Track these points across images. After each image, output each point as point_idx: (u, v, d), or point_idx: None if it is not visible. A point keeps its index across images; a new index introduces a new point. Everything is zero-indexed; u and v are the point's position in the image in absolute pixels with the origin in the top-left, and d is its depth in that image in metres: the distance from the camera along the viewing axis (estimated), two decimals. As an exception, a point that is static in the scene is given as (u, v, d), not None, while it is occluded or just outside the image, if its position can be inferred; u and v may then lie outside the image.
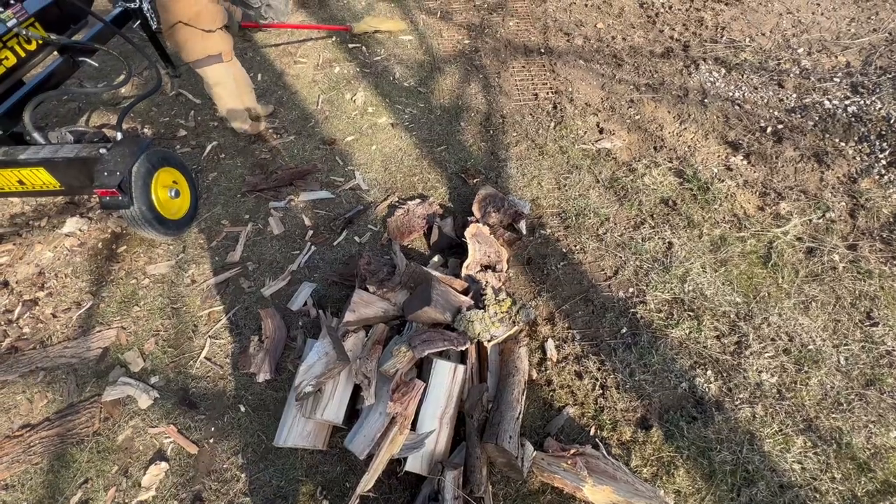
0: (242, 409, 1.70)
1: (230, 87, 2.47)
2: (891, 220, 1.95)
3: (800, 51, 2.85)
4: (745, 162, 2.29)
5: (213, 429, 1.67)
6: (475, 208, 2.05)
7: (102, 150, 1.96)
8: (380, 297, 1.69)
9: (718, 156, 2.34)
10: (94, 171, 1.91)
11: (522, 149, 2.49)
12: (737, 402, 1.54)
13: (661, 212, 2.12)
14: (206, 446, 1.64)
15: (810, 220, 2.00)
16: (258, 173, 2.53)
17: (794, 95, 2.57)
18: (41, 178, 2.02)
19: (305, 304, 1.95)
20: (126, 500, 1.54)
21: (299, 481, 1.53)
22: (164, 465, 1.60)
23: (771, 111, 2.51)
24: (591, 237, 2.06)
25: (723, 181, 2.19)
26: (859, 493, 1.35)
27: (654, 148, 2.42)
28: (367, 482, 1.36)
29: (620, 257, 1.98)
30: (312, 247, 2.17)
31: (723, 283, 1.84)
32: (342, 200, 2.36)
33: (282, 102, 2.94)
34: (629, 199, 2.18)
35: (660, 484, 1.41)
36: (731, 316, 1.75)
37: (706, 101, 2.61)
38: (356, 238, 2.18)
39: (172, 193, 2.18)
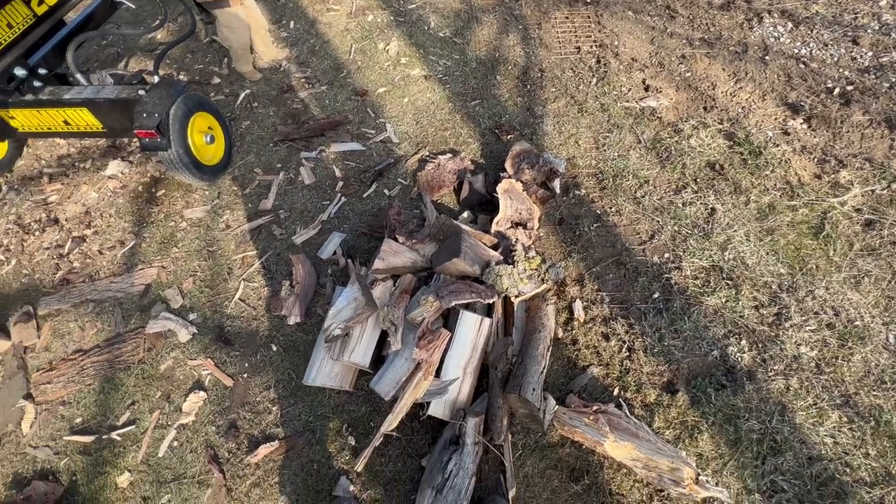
0: (274, 348, 1.77)
1: (238, 31, 2.49)
2: (966, 194, 1.77)
3: (882, 3, 2.55)
4: (804, 126, 2.11)
5: (246, 364, 1.76)
6: (508, 164, 1.99)
7: (141, 92, 1.99)
8: (409, 248, 1.69)
9: (775, 118, 2.16)
10: (133, 113, 1.94)
11: (560, 105, 2.37)
12: (770, 374, 1.50)
13: (705, 176, 2.00)
14: (241, 380, 1.73)
15: (872, 191, 1.85)
16: (290, 123, 2.52)
17: (870, 54, 2.32)
18: (84, 118, 2.08)
19: (335, 253, 1.98)
20: (168, 423, 1.66)
21: (327, 417, 1.60)
22: (202, 394, 1.70)
23: (841, 71, 2.28)
24: (628, 199, 1.98)
25: (778, 146, 2.04)
26: (893, 471, 1.30)
27: (704, 108, 2.26)
28: (390, 422, 1.42)
29: (658, 221, 1.90)
30: (342, 198, 2.18)
31: (767, 253, 1.75)
32: (373, 153, 2.33)
33: (313, 51, 2.88)
34: (672, 161, 2.07)
35: (682, 446, 1.40)
36: (773, 287, 1.67)
37: (767, 58, 2.40)
38: (386, 191, 2.17)
39: (208, 139, 2.21)
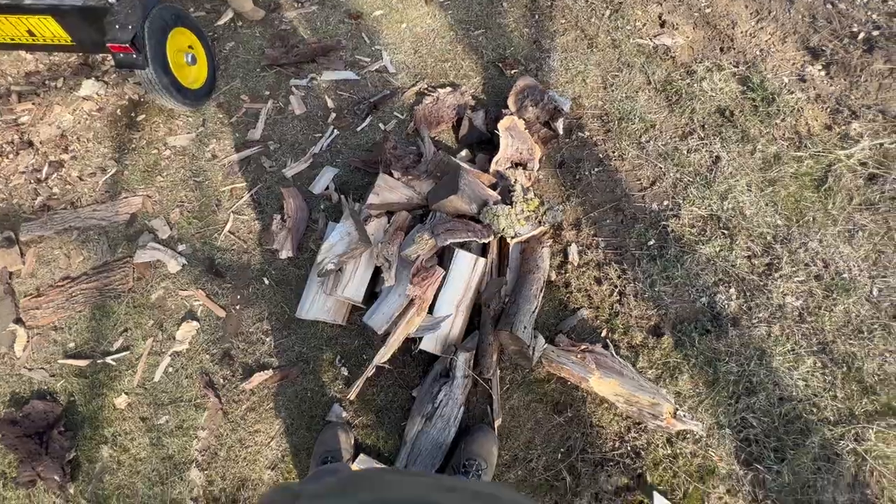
0: (266, 281, 1.76)
1: None
2: (974, 151, 1.74)
3: (925, -61, 2.34)
4: (822, 73, 2.01)
5: (238, 297, 1.76)
6: (511, 100, 1.89)
7: (112, 0, 1.80)
8: (404, 184, 1.63)
9: (794, 63, 2.05)
10: (104, 24, 1.76)
11: (570, 39, 2.22)
12: (754, 321, 1.54)
13: (714, 122, 1.93)
14: (233, 311, 1.73)
15: (881, 145, 1.80)
16: (278, 46, 2.34)
17: (903, -4, 2.16)
18: (50, 28, 1.89)
19: (327, 188, 1.92)
20: (162, 350, 1.68)
21: (320, 349, 1.63)
22: (195, 323, 1.71)
23: (869, 14, 2.14)
24: (633, 144, 1.91)
25: (792, 93, 1.95)
26: (857, 412, 1.38)
27: (721, 49, 2.13)
28: (383, 354, 1.45)
29: (660, 168, 1.85)
30: (335, 130, 2.07)
31: (766, 204, 1.73)
32: (367, 83, 2.19)
33: (304, -35, 2.60)
34: (681, 105, 1.98)
35: (662, 384, 1.47)
36: (768, 238, 1.67)
37: (794, -4, 2.23)
38: (381, 125, 2.06)
39: (189, 59, 2.04)
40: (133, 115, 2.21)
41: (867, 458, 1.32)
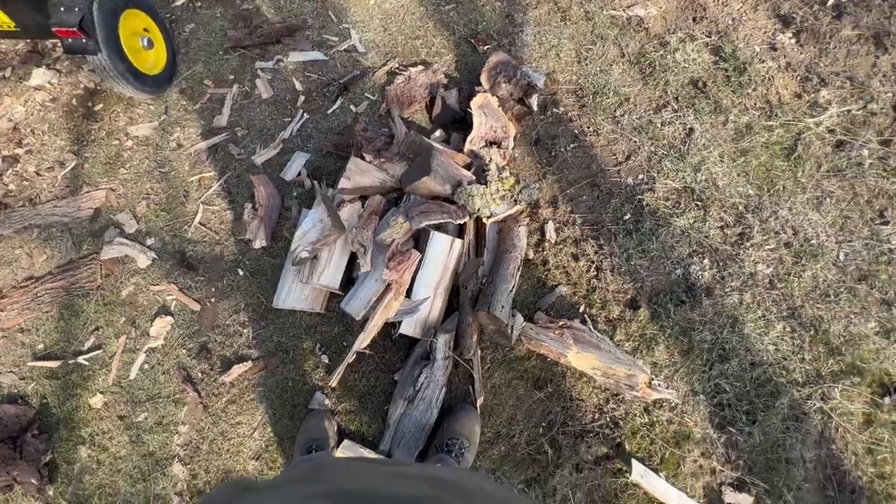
0: (241, 272, 1.72)
1: None
2: (936, 115, 1.78)
3: None
4: (793, 41, 2.01)
5: (213, 289, 1.72)
6: (484, 77, 1.85)
7: (54, -20, 1.68)
8: (377, 167, 1.60)
9: (765, 32, 2.05)
10: (48, 6, 1.65)
11: (542, 12, 2.17)
12: (727, 290, 1.57)
13: (687, 94, 1.93)
14: (208, 304, 1.70)
15: (848, 112, 1.83)
16: (241, 27, 2.23)
17: (871, -39, 2.16)
18: (-9, 13, 1.76)
19: (299, 174, 1.87)
20: (137, 347, 1.65)
21: (299, 338, 1.61)
22: (169, 318, 1.67)
23: (838, -21, 2.14)
24: (608, 118, 1.90)
25: (763, 62, 1.95)
26: (823, 373, 1.44)
27: (694, 19, 2.11)
28: (362, 340, 1.44)
29: (635, 142, 1.85)
30: (305, 114, 2.01)
31: (738, 175, 1.75)
32: (336, 63, 2.12)
33: (263, -61, 2.47)
34: (655, 77, 1.96)
35: (639, 356, 1.49)
36: (740, 208, 1.69)
37: (765, -38, 2.21)
38: (352, 107, 2.00)
39: (144, 42, 1.94)
40: (90, 104, 2.11)
41: (832, 415, 1.38)
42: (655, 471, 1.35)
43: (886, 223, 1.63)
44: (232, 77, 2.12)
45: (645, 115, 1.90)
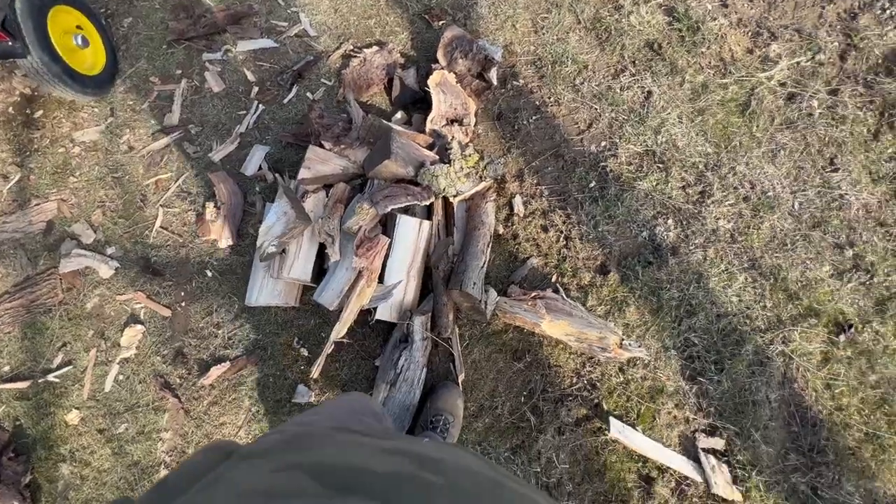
0: (209, 273, 1.69)
1: None
2: (879, 61, 1.83)
3: None
4: (743, -4, 2.03)
5: (182, 293, 1.68)
6: (440, 54, 1.81)
7: (-33, -22, 1.56)
8: (337, 154, 1.57)
9: (715, -11, 2.06)
10: (-35, 8, 1.54)
11: (496, -18, 2.12)
12: (691, 247, 1.62)
13: (643, 57, 1.93)
14: (179, 309, 1.66)
15: (798, 64, 1.87)
16: (183, 17, 2.12)
17: (814, -90, 2.18)
18: None
19: (260, 168, 1.82)
20: (109, 359, 1.61)
21: (276, 334, 1.60)
22: (139, 327, 1.63)
23: (783, -69, 2.15)
24: (567, 87, 1.90)
25: (715, 19, 1.97)
26: (784, 318, 1.51)
27: (646, -20, 2.10)
28: (339, 331, 1.43)
29: (596, 109, 1.86)
30: (260, 105, 1.94)
31: (697, 134, 1.78)
32: (288, 50, 2.05)
33: (197, -79, 2.33)
34: (611, 42, 1.96)
35: (611, 319, 1.54)
36: (700, 167, 1.73)
37: (713, -83, 2.20)
38: (309, 94, 1.95)
39: (79, 41, 1.83)
40: (28, 111, 1.99)
41: (793, 357, 1.46)
42: (633, 426, 1.41)
43: (836, 170, 1.69)
44: (179, 72, 2.03)
45: (604, 82, 1.90)
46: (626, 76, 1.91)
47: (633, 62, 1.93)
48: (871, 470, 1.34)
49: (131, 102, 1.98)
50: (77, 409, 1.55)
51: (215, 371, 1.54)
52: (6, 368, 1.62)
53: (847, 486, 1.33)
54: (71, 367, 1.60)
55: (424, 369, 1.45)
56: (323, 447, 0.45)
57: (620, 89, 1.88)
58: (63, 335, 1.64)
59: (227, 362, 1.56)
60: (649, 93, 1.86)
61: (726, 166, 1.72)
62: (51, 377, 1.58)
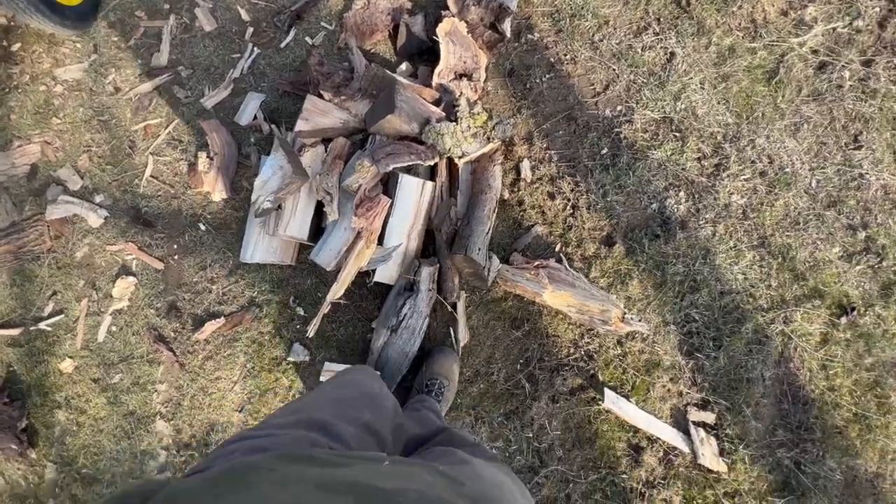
0: (203, 227, 1.63)
1: None
2: (920, 31, 1.71)
3: None
4: (783, -50, 1.86)
5: (175, 246, 1.63)
6: (451, 0, 1.67)
7: None
8: (337, 106, 1.47)
9: (754, -60, 1.88)
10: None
11: (515, -80, 1.93)
12: (701, 222, 1.57)
13: (670, 14, 1.79)
14: (172, 262, 1.62)
15: (833, 30, 1.74)
16: (170, -56, 1.93)
17: None
18: None
19: (255, 118, 1.72)
20: (101, 309, 1.58)
21: (272, 292, 1.57)
22: (131, 279, 1.60)
23: None
24: (585, 45, 1.77)
25: (751, -25, 1.81)
26: (787, 298, 1.49)
27: (680, -74, 1.92)
28: (336, 291, 1.40)
29: (614, 70, 1.74)
30: (255, 49, 1.81)
31: (718, 102, 1.69)
32: (285, -13, 1.88)
33: None
34: (636, -4, 1.81)
35: (613, 292, 1.51)
36: (718, 137, 1.65)
37: None
38: (307, 38, 1.81)
39: (55, -35, 1.66)
40: (5, 44, 1.85)
41: (793, 336, 1.45)
42: (626, 397, 1.42)
43: (860, 147, 1.62)
44: (167, 6, 1.87)
45: (625, 40, 1.78)
46: (650, 35, 1.78)
47: (658, 19, 1.79)
48: (856, 448, 1.36)
49: (116, 39, 1.84)
50: (71, 357, 1.54)
51: (210, 326, 1.52)
52: (-3, 314, 1.59)
53: (830, 462, 1.36)
54: (63, 316, 1.58)
55: (427, 320, 1.43)
56: (253, 489, 0.41)
57: (642, 49, 1.76)
58: (53, 283, 1.61)
59: (222, 318, 1.54)
60: (672, 54, 1.74)
61: (746, 138, 1.64)
62: (42, 325, 1.56)
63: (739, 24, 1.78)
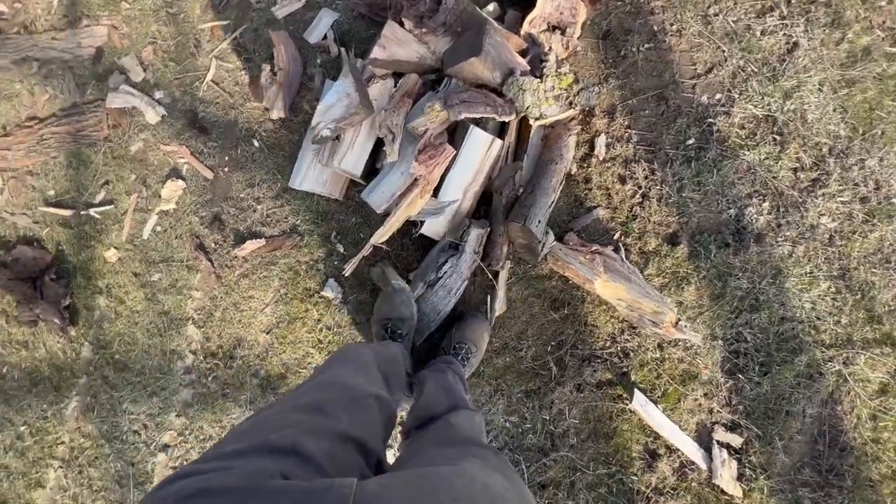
0: (256, 143, 1.59)
1: None
2: None
3: None
4: (963, -60, 1.56)
5: (226, 158, 1.60)
6: (560, -62, 1.48)
7: None
8: (416, 39, 1.36)
9: (931, -78, 1.58)
10: None
11: None
12: (780, 239, 1.43)
13: (804, -3, 1.56)
14: (222, 174, 1.60)
15: None
16: None
17: None
18: None
19: (325, 37, 1.62)
20: (148, 207, 1.59)
21: (315, 223, 1.54)
22: (181, 182, 1.59)
23: None
24: (698, 16, 1.57)
25: (915, -35, 1.54)
26: (855, 338, 1.37)
27: None
28: (381, 235, 1.36)
29: (723, 51, 1.55)
30: (335, -40, 1.67)
31: (834, 110, 1.49)
32: None
33: None
34: (770, -32, 1.57)
35: (666, 294, 1.42)
36: (824, 150, 1.47)
37: None
38: (393, -42, 1.66)
39: None
40: (82, -87, 1.76)
41: (849, 379, 1.35)
42: (655, 402, 1.37)
43: None
44: None
45: (744, 19, 1.56)
46: (774, 18, 1.55)
47: (789, 1, 1.56)
48: (885, 505, 1.30)
49: (194, -73, 1.73)
50: (116, 248, 1.58)
51: (250, 245, 1.51)
52: (51, 192, 1.63)
53: (853, 512, 1.30)
54: (112, 206, 1.60)
55: (466, 283, 1.39)
56: None
57: (761, 33, 1.54)
58: (106, 173, 1.62)
59: (263, 239, 1.53)
60: (795, 45, 1.53)
61: (855, 156, 1.46)
62: (93, 212, 1.59)
63: (884, 22, 1.53)
